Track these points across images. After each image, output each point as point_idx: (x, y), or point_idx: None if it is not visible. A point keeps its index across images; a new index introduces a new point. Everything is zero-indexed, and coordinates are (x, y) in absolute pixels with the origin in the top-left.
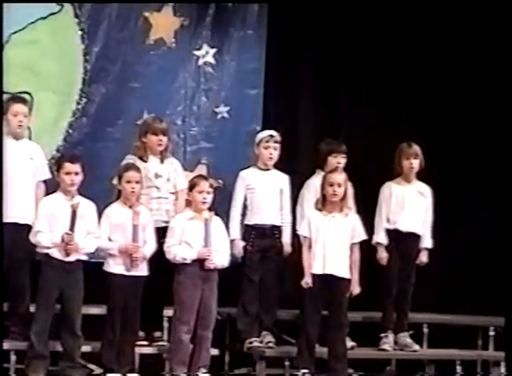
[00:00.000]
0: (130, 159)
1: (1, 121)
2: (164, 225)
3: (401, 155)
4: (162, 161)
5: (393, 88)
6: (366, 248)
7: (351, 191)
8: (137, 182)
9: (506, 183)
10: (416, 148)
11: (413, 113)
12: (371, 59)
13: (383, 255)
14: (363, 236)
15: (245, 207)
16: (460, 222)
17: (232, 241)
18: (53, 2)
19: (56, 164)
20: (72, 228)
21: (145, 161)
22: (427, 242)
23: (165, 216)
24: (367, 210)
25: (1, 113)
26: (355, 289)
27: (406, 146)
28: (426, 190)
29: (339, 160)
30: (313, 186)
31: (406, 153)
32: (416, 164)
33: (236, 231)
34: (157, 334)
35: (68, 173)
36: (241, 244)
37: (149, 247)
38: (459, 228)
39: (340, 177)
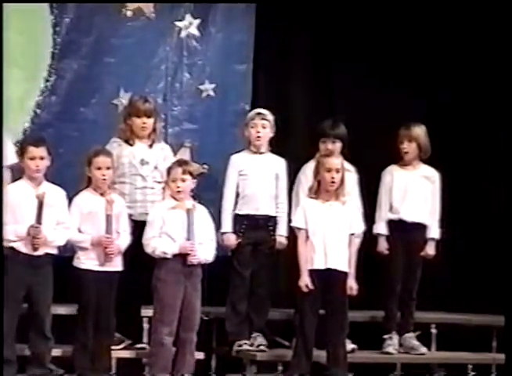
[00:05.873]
0: (115, 142)
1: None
2: None
3: (398, 138)
4: (151, 146)
5: (394, 64)
6: (368, 240)
7: (354, 177)
8: (108, 168)
9: None
10: (415, 130)
11: (421, 94)
12: (368, 35)
13: (384, 247)
14: (362, 227)
15: (237, 195)
16: (472, 209)
17: (223, 234)
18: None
19: (20, 148)
20: (39, 220)
21: (131, 145)
22: (433, 232)
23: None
24: (369, 198)
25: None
26: (352, 285)
27: (403, 129)
28: (433, 175)
29: (327, 147)
30: (311, 170)
31: (401, 135)
32: (410, 147)
33: (228, 224)
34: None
35: (32, 158)
36: (233, 237)
37: (123, 240)
38: (471, 216)
39: (337, 162)
